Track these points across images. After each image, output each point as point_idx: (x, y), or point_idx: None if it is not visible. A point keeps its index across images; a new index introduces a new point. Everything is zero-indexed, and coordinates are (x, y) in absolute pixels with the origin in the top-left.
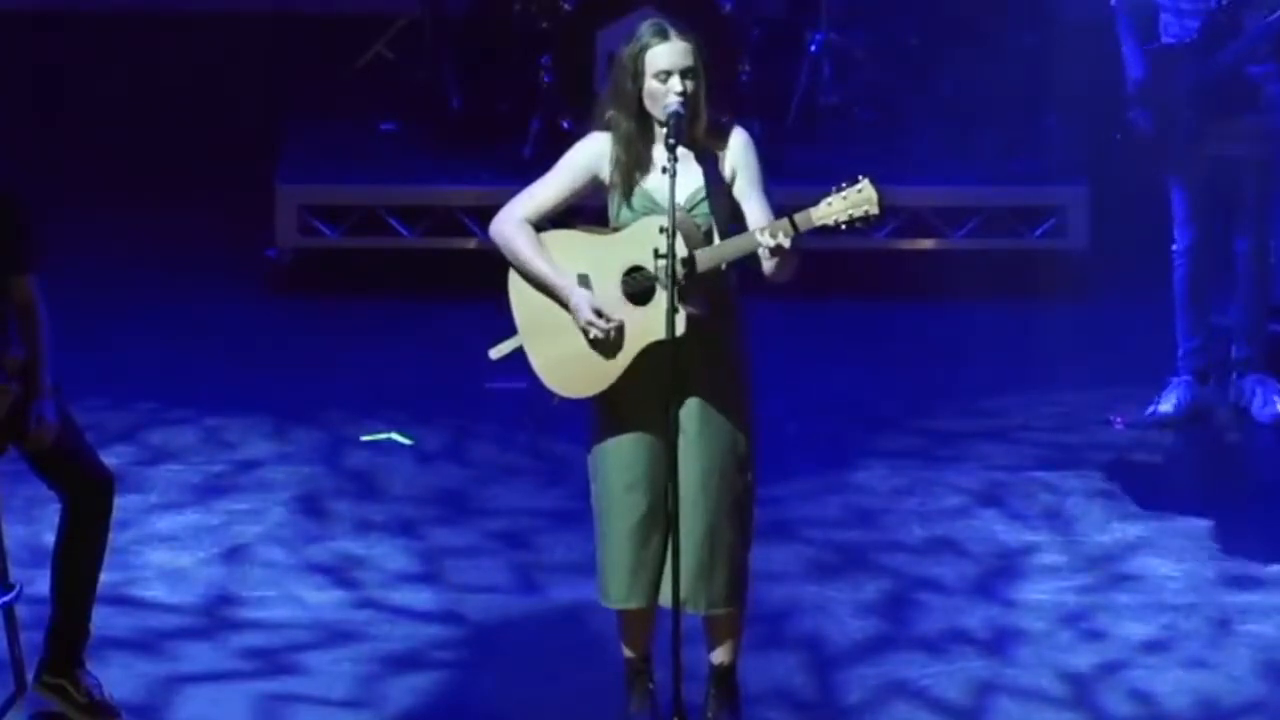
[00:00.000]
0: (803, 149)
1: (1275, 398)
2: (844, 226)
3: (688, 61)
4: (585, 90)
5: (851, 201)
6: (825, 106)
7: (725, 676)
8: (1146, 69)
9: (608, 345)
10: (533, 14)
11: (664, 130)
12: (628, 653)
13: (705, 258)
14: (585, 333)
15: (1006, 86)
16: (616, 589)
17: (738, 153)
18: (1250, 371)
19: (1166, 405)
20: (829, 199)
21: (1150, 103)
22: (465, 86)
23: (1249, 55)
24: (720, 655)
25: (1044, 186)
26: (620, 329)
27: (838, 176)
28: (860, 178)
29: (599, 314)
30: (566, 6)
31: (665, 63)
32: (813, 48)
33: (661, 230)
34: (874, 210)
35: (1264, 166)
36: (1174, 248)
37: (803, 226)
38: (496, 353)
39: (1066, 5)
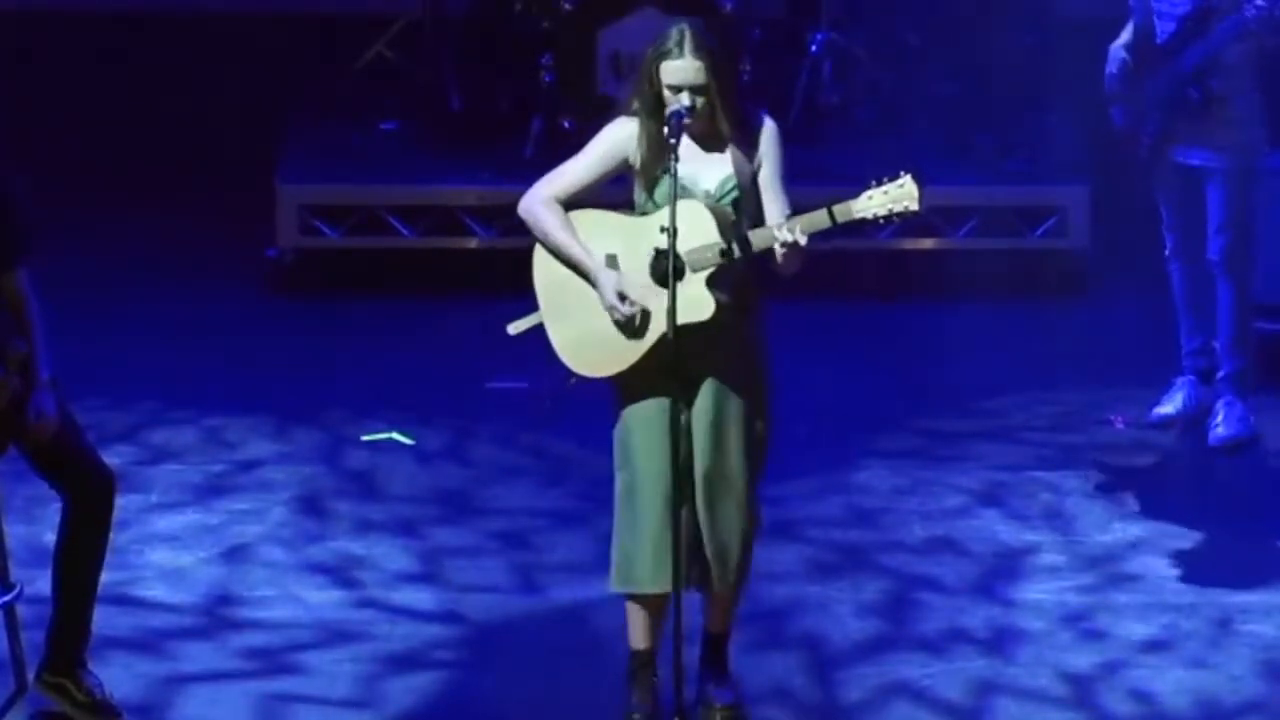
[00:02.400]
0: (803, 149)
1: (1231, 421)
2: (882, 221)
3: (699, 80)
4: (586, 90)
5: (892, 196)
6: (825, 106)
7: (720, 644)
8: (1121, 67)
9: (630, 328)
10: (533, 14)
11: (665, 130)
12: (635, 645)
13: (758, 238)
14: (610, 315)
15: (1006, 86)
16: (643, 571)
17: (764, 144)
18: (1230, 388)
19: (1168, 406)
20: (869, 192)
21: (1120, 101)
22: (465, 86)
23: (1210, 65)
24: (718, 624)
25: (1044, 186)
26: (644, 313)
27: (838, 176)
28: (902, 173)
29: (622, 298)
30: (567, 6)
31: (675, 79)
32: (813, 48)
33: (663, 230)
34: (914, 206)
35: (1232, 178)
36: (1165, 252)
37: (841, 218)
38: (515, 328)
39: (1066, 5)
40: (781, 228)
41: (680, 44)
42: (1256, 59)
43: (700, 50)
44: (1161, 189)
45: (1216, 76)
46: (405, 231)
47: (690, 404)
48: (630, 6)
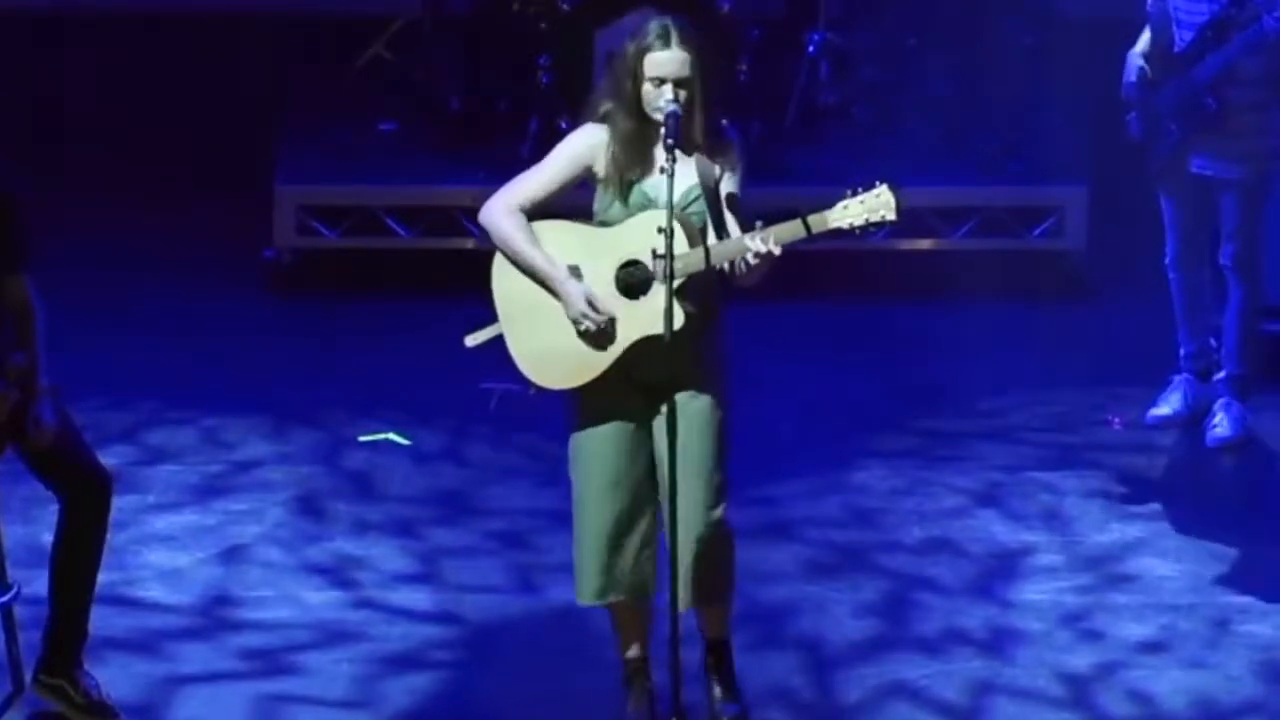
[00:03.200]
0: (801, 149)
1: (1229, 422)
2: (859, 231)
3: (684, 72)
4: (584, 90)
5: (869, 206)
6: (824, 106)
7: (722, 649)
8: (1137, 75)
9: (598, 337)
10: (531, 14)
11: (662, 130)
12: (624, 653)
13: (717, 253)
14: (576, 325)
15: (1006, 86)
16: (588, 585)
17: (728, 156)
18: (1230, 389)
19: (1165, 407)
20: (845, 202)
21: (1137, 109)
22: (465, 86)
23: (1229, 75)
24: (715, 630)
25: (1043, 186)
26: (612, 322)
27: (836, 176)
28: (879, 182)
29: (592, 307)
30: (565, 7)
31: (660, 70)
32: (811, 48)
33: (660, 231)
34: (891, 216)
35: (1245, 188)
36: (1165, 260)
37: (816, 228)
38: (473, 340)
39: (1066, 5)
40: (754, 237)
41: (664, 36)
42: (1275, 70)
43: (686, 42)
44: (1171, 197)
45: (1234, 86)
46: (403, 232)
47: (654, 415)
48: (627, 7)
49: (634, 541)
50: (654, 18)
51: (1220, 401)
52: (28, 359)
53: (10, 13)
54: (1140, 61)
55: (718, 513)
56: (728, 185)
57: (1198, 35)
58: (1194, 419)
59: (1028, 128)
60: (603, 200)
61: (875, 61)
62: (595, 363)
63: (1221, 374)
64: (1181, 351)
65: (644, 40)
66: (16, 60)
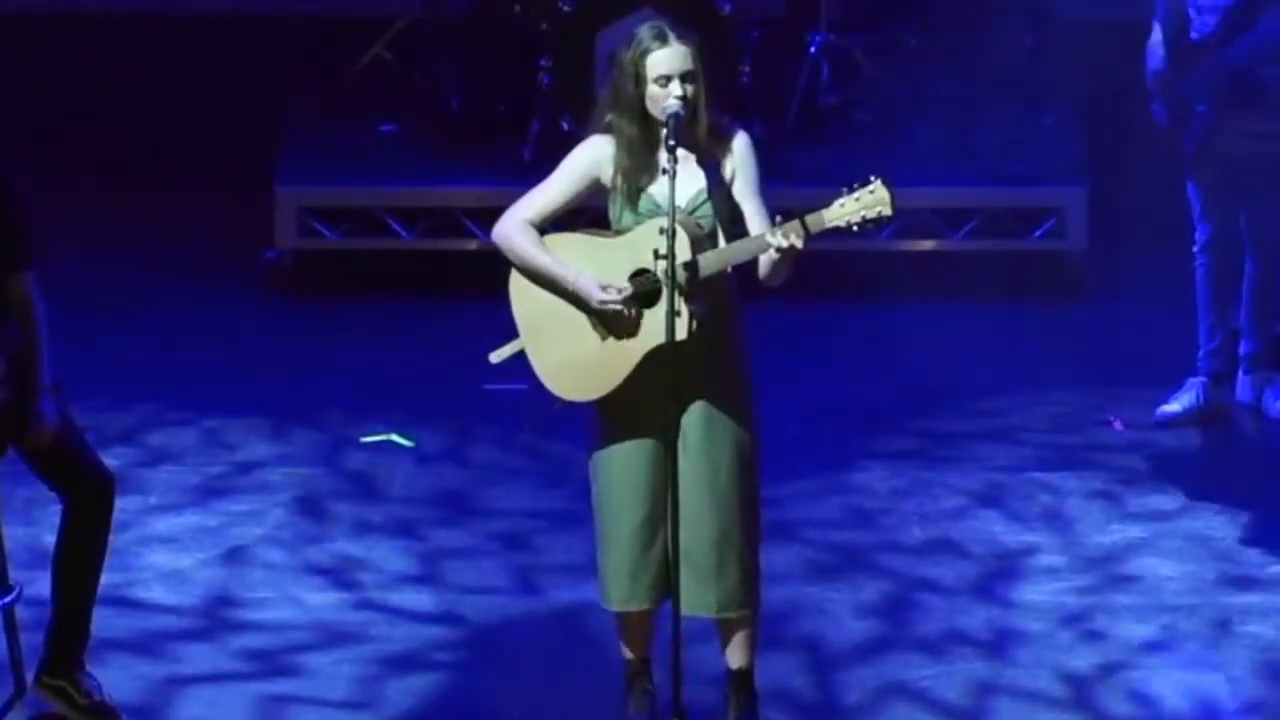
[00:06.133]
0: (802, 150)
1: None
2: (856, 228)
3: (687, 66)
4: (585, 92)
5: (864, 203)
6: (825, 107)
7: (744, 680)
8: (1164, 62)
9: (625, 325)
10: (532, 15)
11: (664, 132)
12: (627, 654)
13: (709, 261)
14: (601, 314)
15: (1006, 86)
16: (617, 592)
17: (738, 154)
18: (1258, 368)
19: (1175, 405)
20: (841, 200)
21: (1166, 97)
22: (465, 87)
23: (1263, 53)
24: (738, 659)
25: (1043, 187)
26: (634, 303)
27: (837, 177)
28: (873, 178)
29: (606, 289)
30: (566, 8)
31: (665, 67)
32: (812, 49)
33: (662, 232)
34: (887, 211)
35: (1277, 163)
36: (1194, 246)
37: (814, 228)
38: (497, 357)
39: (1066, 5)
40: (775, 233)
41: (661, 35)
42: None
43: (686, 37)
44: (1204, 181)
45: (1267, 65)
46: (404, 233)
47: (676, 422)
48: (628, 8)
49: (659, 548)
50: (654, 19)
51: (1258, 377)
52: (16, 354)
53: (10, 13)
54: (1161, 50)
55: (723, 523)
56: (742, 181)
57: (1224, 17)
58: (1203, 420)
59: (1028, 128)
60: (614, 210)
61: (876, 62)
62: (613, 374)
63: (1246, 352)
64: (1201, 349)
65: (641, 44)
66: (16, 60)
